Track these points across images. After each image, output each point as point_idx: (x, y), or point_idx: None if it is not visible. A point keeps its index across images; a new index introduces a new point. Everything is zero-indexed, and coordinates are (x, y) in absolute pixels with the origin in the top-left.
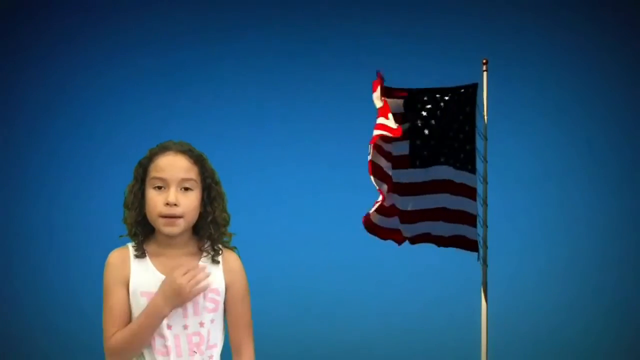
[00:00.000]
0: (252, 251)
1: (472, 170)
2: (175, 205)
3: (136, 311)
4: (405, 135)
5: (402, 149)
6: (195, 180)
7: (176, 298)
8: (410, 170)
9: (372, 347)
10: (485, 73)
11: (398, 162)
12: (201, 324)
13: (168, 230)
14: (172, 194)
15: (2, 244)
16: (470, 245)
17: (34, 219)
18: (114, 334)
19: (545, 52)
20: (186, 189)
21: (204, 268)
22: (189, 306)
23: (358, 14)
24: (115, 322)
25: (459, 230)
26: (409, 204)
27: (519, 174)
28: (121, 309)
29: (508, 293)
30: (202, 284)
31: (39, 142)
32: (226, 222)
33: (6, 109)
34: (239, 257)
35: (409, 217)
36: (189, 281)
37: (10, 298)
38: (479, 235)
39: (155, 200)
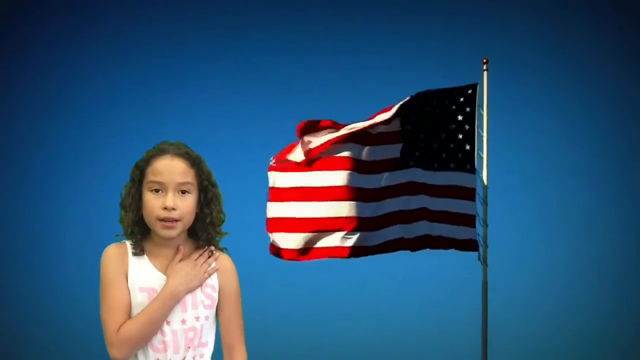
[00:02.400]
0: (249, 251)
1: (471, 170)
2: (172, 209)
3: (134, 306)
4: (400, 137)
5: (393, 151)
6: (192, 184)
7: (193, 280)
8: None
9: (371, 347)
10: (485, 72)
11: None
12: (197, 319)
13: (165, 233)
14: (170, 199)
15: (2, 244)
16: (468, 245)
17: (34, 218)
18: (124, 325)
19: (545, 52)
20: (183, 192)
21: (213, 251)
22: (188, 300)
23: (359, 14)
24: (121, 314)
25: (452, 232)
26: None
27: (519, 173)
28: (126, 300)
29: (508, 293)
30: (213, 265)
31: (39, 142)
32: (221, 222)
33: (6, 109)
34: (231, 257)
35: (383, 221)
36: (202, 264)
37: (10, 298)
38: (478, 234)
39: (153, 204)
